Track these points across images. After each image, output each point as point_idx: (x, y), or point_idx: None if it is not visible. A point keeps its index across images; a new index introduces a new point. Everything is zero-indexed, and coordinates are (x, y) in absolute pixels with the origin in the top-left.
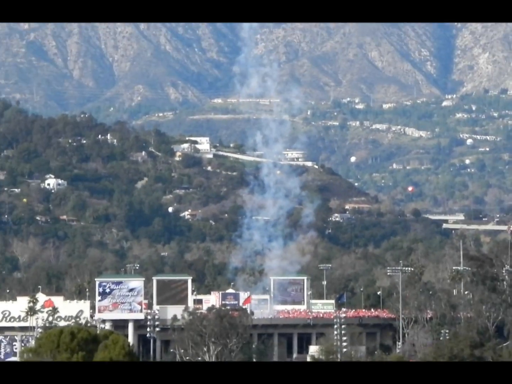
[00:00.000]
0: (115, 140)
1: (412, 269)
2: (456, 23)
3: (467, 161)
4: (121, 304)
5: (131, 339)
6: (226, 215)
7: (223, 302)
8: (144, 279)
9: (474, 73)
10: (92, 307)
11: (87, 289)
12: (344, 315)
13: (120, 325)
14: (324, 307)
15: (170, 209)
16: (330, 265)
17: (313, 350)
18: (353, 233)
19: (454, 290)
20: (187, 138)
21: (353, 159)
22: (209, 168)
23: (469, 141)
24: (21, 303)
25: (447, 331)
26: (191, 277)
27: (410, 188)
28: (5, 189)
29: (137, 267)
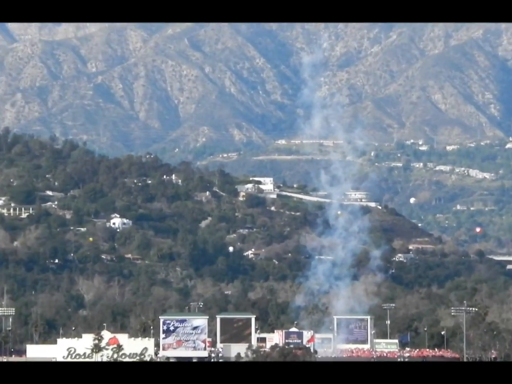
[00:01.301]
0: (180, 180)
1: (476, 309)
2: None
3: None
4: (185, 341)
5: None
6: (289, 254)
7: (286, 340)
8: (208, 317)
9: None
10: (157, 345)
11: (151, 327)
12: (408, 354)
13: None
14: (388, 346)
15: (232, 249)
16: (394, 305)
17: None
18: (417, 273)
19: None
20: (251, 179)
21: (412, 200)
22: (272, 208)
23: None
24: (86, 340)
25: None
26: (255, 316)
27: (478, 229)
28: (72, 228)
29: (201, 306)
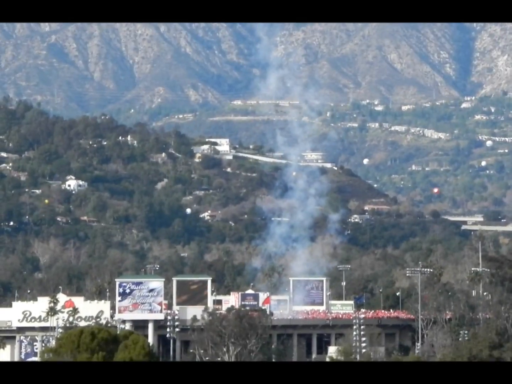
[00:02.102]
0: (135, 142)
1: (431, 270)
2: (475, 25)
3: (486, 163)
4: (141, 304)
5: (151, 339)
6: (245, 216)
7: (242, 302)
8: (164, 279)
9: (493, 75)
10: (112, 308)
11: (107, 290)
12: (363, 316)
13: (140, 325)
14: (343, 308)
15: (189, 210)
16: (349, 266)
17: (332, 350)
18: (372, 234)
19: (473, 291)
20: (206, 140)
21: (365, 161)
22: (228, 169)
23: (488, 143)
24: (41, 304)
25: (466, 332)
26: (211, 278)
27: (435, 190)
28: (26, 190)
29: (157, 268)
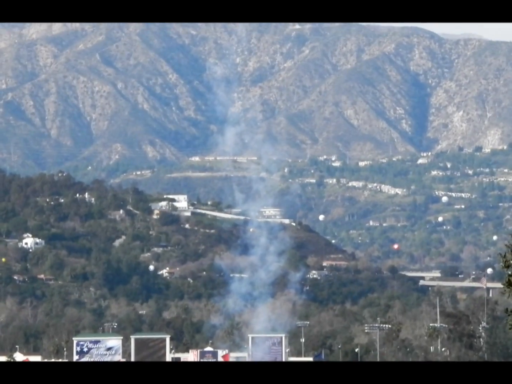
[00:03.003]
0: (93, 199)
1: (390, 326)
2: (430, 81)
3: (442, 218)
4: None
5: None
6: (204, 273)
7: (201, 360)
8: (122, 337)
9: (449, 131)
10: None
11: (64, 348)
12: None
13: None
14: None
15: (152, 267)
16: (308, 322)
17: None
18: (331, 290)
19: (431, 347)
20: (164, 196)
21: (321, 217)
22: (187, 226)
23: (444, 199)
24: None
25: None
26: (170, 335)
27: (396, 246)
28: None
29: (115, 326)
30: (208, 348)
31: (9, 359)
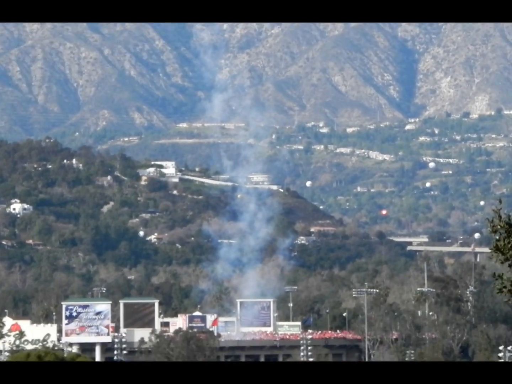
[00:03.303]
0: (80, 165)
1: (377, 290)
2: (418, 47)
3: (430, 184)
4: (88, 327)
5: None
6: (192, 238)
7: (190, 324)
8: (111, 302)
9: (437, 97)
10: (59, 331)
11: (54, 313)
12: (310, 336)
13: (87, 348)
14: (290, 329)
15: (142, 233)
16: (296, 288)
17: None
18: (319, 255)
19: (419, 311)
20: (152, 163)
21: (308, 183)
22: (175, 192)
23: (432, 164)
24: None
25: (412, 351)
26: (158, 300)
27: (384, 212)
28: None
29: (104, 291)
30: (197, 313)
31: None
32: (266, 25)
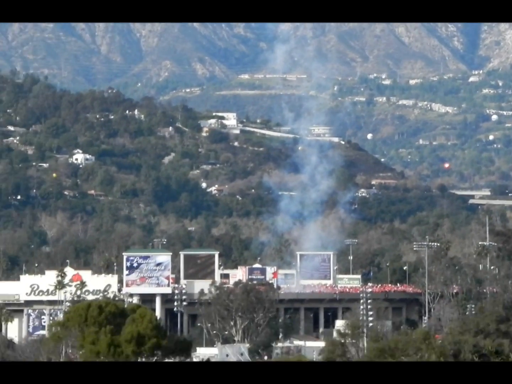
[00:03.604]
0: (142, 116)
1: (438, 244)
2: None
3: (493, 137)
4: (148, 278)
5: (158, 313)
6: (252, 190)
7: (249, 276)
8: (171, 253)
9: (501, 48)
10: (120, 281)
11: (115, 264)
12: (370, 290)
13: (148, 299)
14: (350, 282)
15: (204, 185)
16: (356, 241)
17: (339, 324)
18: (379, 208)
19: (480, 265)
20: (214, 114)
21: (369, 136)
22: (236, 143)
23: (495, 117)
24: (49, 277)
25: (473, 306)
26: (218, 252)
27: (446, 165)
28: (33, 164)
29: (165, 242)
30: (257, 265)
31: (59, 273)
32: None
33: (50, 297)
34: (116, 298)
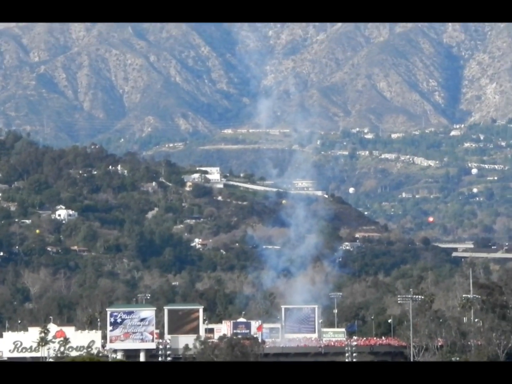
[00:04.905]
0: (125, 171)
1: (423, 297)
2: (463, 53)
3: (476, 190)
4: (132, 333)
5: None
6: (236, 244)
7: (234, 331)
8: (155, 308)
9: (482, 103)
10: (104, 337)
11: (98, 319)
12: (355, 343)
13: (132, 354)
14: (335, 335)
15: (181, 239)
16: (340, 294)
17: None
18: (364, 261)
19: (464, 318)
20: (197, 168)
21: (351, 190)
22: (219, 197)
23: (475, 171)
24: (32, 334)
25: (457, 358)
26: (203, 307)
27: (431, 219)
28: (16, 220)
29: (148, 297)
30: (241, 319)
31: (43, 330)
32: (311, 31)
33: (34, 354)
34: (100, 354)
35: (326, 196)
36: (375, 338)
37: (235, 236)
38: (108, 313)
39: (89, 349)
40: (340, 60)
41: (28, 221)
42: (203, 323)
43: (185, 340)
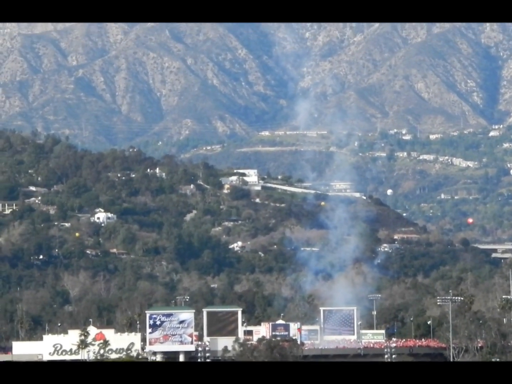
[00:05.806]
0: (163, 174)
1: (462, 298)
2: (502, 54)
3: None
4: (171, 336)
5: None
6: (275, 246)
7: (273, 333)
8: (194, 311)
9: None
10: (143, 340)
11: (137, 322)
12: (394, 345)
13: (171, 357)
14: (374, 337)
15: (220, 241)
16: (379, 295)
17: None
18: (402, 263)
19: (504, 319)
20: (235, 171)
21: (389, 192)
22: (257, 200)
23: None
24: (72, 337)
25: (498, 359)
26: (241, 309)
27: (470, 220)
28: (56, 223)
29: (187, 299)
30: (280, 321)
31: (82, 333)
32: (348, 32)
33: (73, 357)
34: (140, 357)
35: (364, 197)
36: (414, 339)
37: (273, 238)
38: (147, 315)
39: (129, 352)
40: (377, 61)
41: (67, 225)
42: (242, 325)
43: (224, 342)
